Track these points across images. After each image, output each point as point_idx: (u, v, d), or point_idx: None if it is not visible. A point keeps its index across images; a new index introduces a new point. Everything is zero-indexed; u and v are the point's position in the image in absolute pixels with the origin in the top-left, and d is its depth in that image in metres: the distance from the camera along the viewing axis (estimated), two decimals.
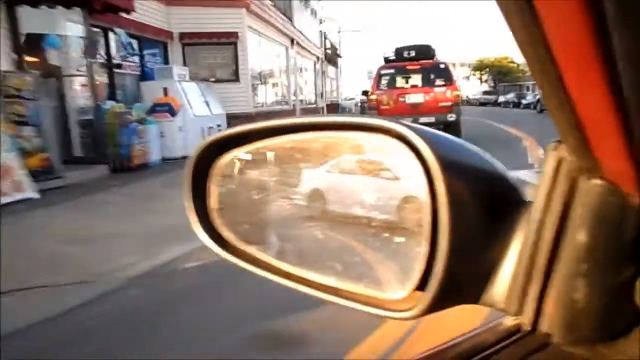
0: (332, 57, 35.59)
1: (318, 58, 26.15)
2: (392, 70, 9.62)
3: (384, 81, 9.63)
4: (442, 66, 9.73)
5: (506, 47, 76.87)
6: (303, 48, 21.43)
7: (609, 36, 0.19)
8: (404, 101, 9.54)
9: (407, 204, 0.40)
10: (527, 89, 58.77)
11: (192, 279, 3.48)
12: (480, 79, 61.73)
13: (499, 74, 58.86)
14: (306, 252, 0.46)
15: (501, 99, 48.24)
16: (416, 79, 9.48)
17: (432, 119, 9.34)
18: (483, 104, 49.92)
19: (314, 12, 26.69)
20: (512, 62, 59.54)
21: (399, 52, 9.84)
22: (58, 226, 4.93)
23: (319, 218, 0.46)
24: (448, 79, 9.57)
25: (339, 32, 48.23)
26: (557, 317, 0.35)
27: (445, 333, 0.50)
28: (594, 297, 0.34)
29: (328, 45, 33.13)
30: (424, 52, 9.72)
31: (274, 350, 2.42)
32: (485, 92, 53.42)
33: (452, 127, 9.31)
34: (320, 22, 27.82)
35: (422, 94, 9.50)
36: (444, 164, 0.33)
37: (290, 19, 19.31)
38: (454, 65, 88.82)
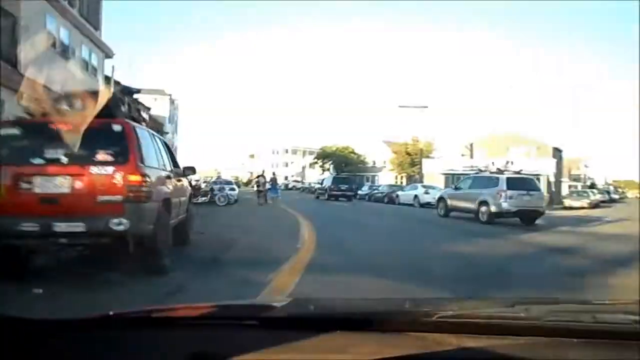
0: None
1: None
2: (16, 131, 4.92)
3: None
4: (116, 128, 5.21)
5: (348, 138, 79.19)
6: None
7: None
8: (30, 190, 4.76)
9: None
10: (367, 179, 59.49)
11: None
12: (323, 167, 60.88)
13: (340, 163, 58.62)
14: None
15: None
16: (59, 150, 4.81)
17: (79, 227, 4.66)
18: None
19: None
20: (353, 152, 60.05)
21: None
22: None
23: None
24: (123, 153, 5.05)
25: None
26: None
27: None
28: None
29: None
30: (90, 101, 5.15)
31: None
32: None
33: (140, 246, 4.80)
34: None
35: (67, 177, 4.83)
36: None
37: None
38: (302, 153, 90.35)
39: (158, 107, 36.46)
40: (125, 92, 8.79)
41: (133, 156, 5.07)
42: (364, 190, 38.94)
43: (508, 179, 15.69)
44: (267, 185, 26.68)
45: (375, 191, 34.95)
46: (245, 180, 71.26)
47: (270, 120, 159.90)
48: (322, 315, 1.12)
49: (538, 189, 16.24)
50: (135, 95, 26.00)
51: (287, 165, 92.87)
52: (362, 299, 1.53)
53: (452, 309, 1.21)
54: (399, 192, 29.99)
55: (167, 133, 35.07)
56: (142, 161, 5.21)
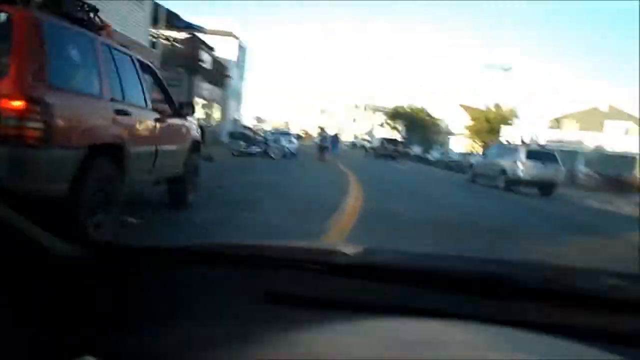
0: (210, 74, 28.80)
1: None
2: None
3: None
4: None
5: (423, 99, 74.71)
6: None
7: None
8: None
9: None
10: (439, 144, 55.66)
11: None
12: (393, 127, 57.60)
13: (412, 125, 55.10)
14: None
15: (410, 151, 43.73)
16: None
17: None
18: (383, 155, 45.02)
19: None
20: (428, 115, 56.19)
21: None
22: None
23: None
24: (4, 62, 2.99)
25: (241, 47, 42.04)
26: None
27: None
28: None
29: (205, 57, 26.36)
30: None
31: None
32: (387, 141, 48.06)
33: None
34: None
35: None
36: None
37: None
38: (374, 111, 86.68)
39: (224, 50, 34.79)
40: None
41: (20, 67, 2.97)
42: (434, 155, 35.69)
43: (528, 150, 16.90)
44: (328, 142, 24.58)
45: (449, 159, 31.69)
46: (312, 135, 69.87)
47: (344, 75, 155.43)
48: (396, 266, 1.05)
49: (557, 163, 16.95)
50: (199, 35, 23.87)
51: (355, 121, 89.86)
52: (435, 253, 1.41)
53: (528, 273, 1.09)
54: (473, 160, 26.76)
55: (229, 77, 33.43)
56: (42, 77, 3.10)
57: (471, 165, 20.77)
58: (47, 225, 0.84)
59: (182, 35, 25.53)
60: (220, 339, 0.75)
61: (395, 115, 57.38)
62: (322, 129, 25.34)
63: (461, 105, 55.59)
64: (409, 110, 56.29)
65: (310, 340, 0.75)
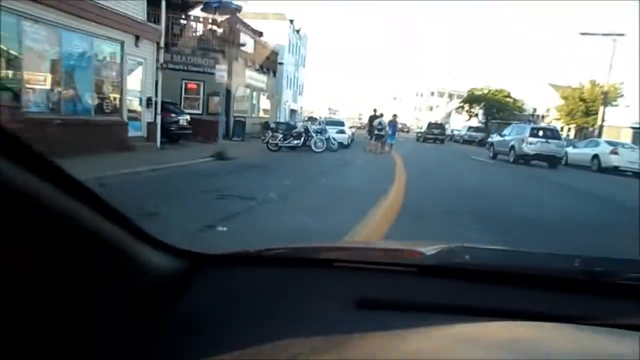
0: (256, 61, 26.03)
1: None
2: None
3: None
4: None
5: (504, 78, 67.68)
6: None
7: None
8: None
9: None
10: None
11: None
12: (470, 112, 52.03)
13: (492, 108, 49.29)
14: None
15: (490, 138, 38.54)
16: None
17: None
18: (468, 141, 40.42)
19: None
20: (509, 96, 50.06)
21: None
22: None
23: None
24: None
25: (297, 31, 38.92)
26: None
27: None
28: None
29: (245, 41, 23.56)
30: None
31: None
32: (472, 128, 43.58)
33: None
34: None
35: None
36: None
37: None
38: (449, 96, 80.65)
39: (275, 35, 31.90)
40: None
41: None
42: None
43: (532, 128, 19.19)
44: (385, 128, 20.69)
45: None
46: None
47: (416, 60, 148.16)
48: (485, 267, 1.00)
49: (559, 138, 19.10)
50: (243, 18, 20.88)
51: (431, 109, 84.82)
52: (525, 250, 1.26)
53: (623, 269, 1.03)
54: (569, 150, 21.69)
55: (280, 63, 30.40)
56: None
57: (492, 144, 22.54)
58: (140, 237, 0.81)
59: (222, 17, 22.78)
60: (317, 345, 0.75)
61: (472, 99, 51.75)
62: (375, 111, 21.48)
63: (549, 84, 48.99)
64: (487, 92, 50.48)
65: (405, 346, 0.74)
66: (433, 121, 41.24)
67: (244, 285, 0.95)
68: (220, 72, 12.52)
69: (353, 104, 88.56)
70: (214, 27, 22.55)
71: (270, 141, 17.26)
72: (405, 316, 0.84)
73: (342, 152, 18.31)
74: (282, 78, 33.10)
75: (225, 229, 4.37)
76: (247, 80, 24.64)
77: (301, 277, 0.98)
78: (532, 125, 20.18)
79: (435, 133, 37.14)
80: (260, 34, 27.75)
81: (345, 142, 20.81)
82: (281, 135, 17.39)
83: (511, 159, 19.08)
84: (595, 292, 0.91)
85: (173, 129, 15.84)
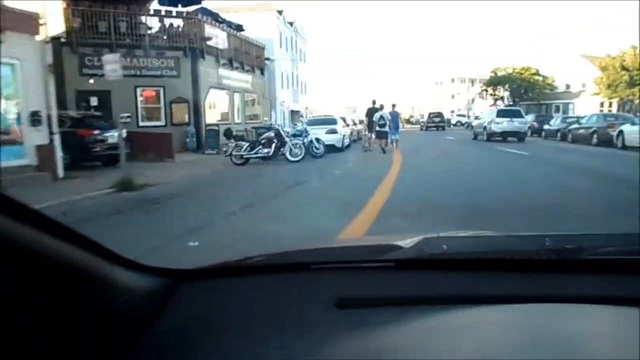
0: (234, 57, 22.39)
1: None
2: None
3: None
4: None
5: (530, 56, 62.24)
6: None
7: None
8: None
9: None
10: (557, 109, 44.10)
11: None
12: (494, 96, 47.05)
13: (519, 89, 44.27)
14: None
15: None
16: None
17: None
18: None
19: None
20: (537, 74, 44.91)
21: None
22: None
23: None
24: None
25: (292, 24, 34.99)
26: None
27: None
28: None
29: (211, 33, 19.93)
30: None
31: None
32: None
33: None
34: None
35: None
36: None
37: None
38: (471, 82, 75.35)
39: (263, 27, 28.09)
40: None
41: None
42: (554, 124, 25.90)
43: (498, 110, 24.05)
44: (387, 123, 16.68)
45: (575, 126, 21.89)
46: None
47: (433, 48, 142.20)
48: (461, 255, 1.02)
49: (522, 117, 22.29)
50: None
51: (453, 97, 79.66)
52: (498, 235, 1.25)
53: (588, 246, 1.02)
54: (624, 128, 17.05)
55: (267, 59, 26.49)
56: None
57: (471, 126, 26.64)
58: (112, 260, 0.80)
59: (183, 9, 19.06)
60: (297, 349, 0.76)
61: (495, 80, 46.73)
62: (374, 102, 17.47)
63: (582, 56, 43.61)
64: (511, 71, 45.43)
65: (386, 341, 0.75)
66: (433, 111, 44.76)
67: (222, 298, 0.94)
68: (112, 65, 8.57)
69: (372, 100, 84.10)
70: (172, 22, 18.87)
71: (233, 153, 13.38)
72: (386, 311, 0.85)
73: (331, 158, 14.27)
74: (274, 76, 29.23)
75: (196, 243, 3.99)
76: (222, 80, 20.85)
77: (279, 283, 0.97)
78: (498, 108, 25.39)
79: (436, 121, 40.80)
80: (239, 27, 23.93)
81: (339, 145, 16.71)
82: (247, 145, 13.47)
83: (485, 138, 22.02)
84: (566, 270, 0.93)
85: (97, 149, 12.13)
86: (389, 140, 17.14)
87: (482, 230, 1.29)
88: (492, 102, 47.71)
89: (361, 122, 22.59)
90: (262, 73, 26.03)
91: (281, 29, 31.45)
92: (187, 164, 13.79)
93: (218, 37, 20.31)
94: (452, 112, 65.96)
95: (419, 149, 17.62)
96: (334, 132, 16.73)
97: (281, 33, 31.49)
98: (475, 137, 23.77)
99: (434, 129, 39.19)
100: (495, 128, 21.41)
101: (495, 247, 1.07)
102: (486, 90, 49.06)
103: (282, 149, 13.30)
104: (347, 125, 20.60)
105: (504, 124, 21.14)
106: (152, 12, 18.70)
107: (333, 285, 0.93)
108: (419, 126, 48.00)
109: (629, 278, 0.89)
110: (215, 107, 21.00)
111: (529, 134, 24.47)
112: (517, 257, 0.96)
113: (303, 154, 13.33)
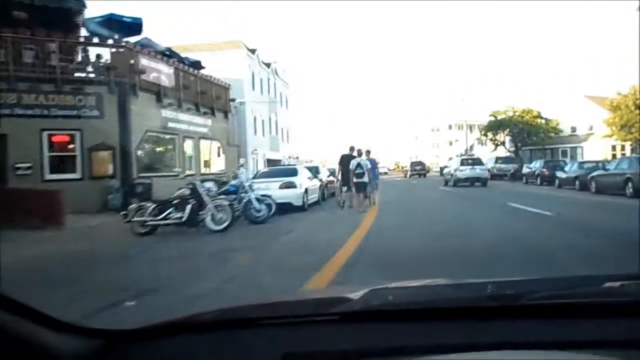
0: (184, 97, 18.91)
1: None
2: None
3: None
4: None
5: (531, 98, 59.47)
6: None
7: None
8: None
9: None
10: (564, 154, 40.47)
11: None
12: (494, 141, 43.57)
13: (521, 133, 40.79)
14: None
15: (525, 169, 29.97)
16: None
17: None
18: (497, 176, 32.11)
19: None
20: (539, 116, 41.58)
21: None
22: None
23: None
24: None
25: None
26: None
27: None
28: None
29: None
30: None
31: None
32: (500, 159, 35.35)
33: None
34: None
35: None
36: None
37: None
38: (470, 127, 72.33)
39: (231, 65, 24.85)
40: None
41: None
42: (571, 170, 22.05)
43: (462, 159, 26.45)
44: (365, 172, 13.04)
45: (600, 172, 17.89)
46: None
47: (429, 94, 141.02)
48: (405, 306, 1.04)
49: (482, 165, 25.42)
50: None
51: (450, 144, 76.80)
52: (444, 284, 1.27)
53: (540, 289, 1.07)
54: None
55: (232, 100, 22.94)
56: None
57: (442, 173, 31.97)
58: (41, 322, 0.78)
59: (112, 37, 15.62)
60: None
61: (495, 125, 43.33)
62: (351, 149, 13.81)
63: (587, 97, 40.45)
64: (512, 114, 42.12)
65: None
66: (414, 160, 49.81)
67: (168, 356, 0.91)
68: None
69: (371, 147, 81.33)
70: (99, 52, 15.38)
71: (135, 219, 9.40)
72: None
73: (279, 223, 10.31)
74: (243, 120, 25.68)
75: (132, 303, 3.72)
76: (167, 124, 17.17)
77: (224, 341, 0.94)
78: (462, 157, 27.17)
79: (418, 169, 44.85)
80: (195, 63, 20.53)
81: (298, 202, 12.74)
82: (153, 206, 9.50)
83: (451, 184, 24.39)
84: (504, 316, 0.94)
85: None
86: (368, 194, 13.41)
87: (436, 279, 1.31)
88: (493, 147, 44.21)
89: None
90: (226, 116, 22.44)
91: (254, 69, 28.21)
92: (73, 234, 9.82)
93: (161, 72, 16.80)
94: (450, 158, 62.55)
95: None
96: (291, 186, 12.78)
97: (254, 73, 28.24)
98: (446, 183, 25.96)
99: (417, 176, 42.42)
100: (460, 175, 24.31)
101: (440, 296, 1.09)
102: (486, 135, 45.66)
103: (201, 212, 9.31)
104: (317, 177, 16.66)
105: (467, 171, 24.19)
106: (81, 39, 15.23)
107: (279, 340, 0.92)
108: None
109: (567, 322, 0.91)
110: (152, 155, 17.25)
111: (538, 182, 25.01)
112: (455, 305, 1.00)
113: (230, 220, 9.32)
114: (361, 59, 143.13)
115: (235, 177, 11.55)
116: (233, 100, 22.91)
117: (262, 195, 11.05)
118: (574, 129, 40.98)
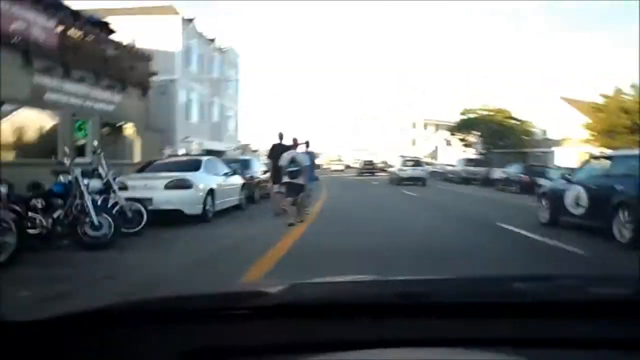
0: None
1: None
2: None
3: None
4: None
5: (501, 98, 56.92)
6: None
7: None
8: None
9: None
10: (537, 159, 37.65)
11: None
12: (465, 141, 40.40)
13: (493, 135, 37.69)
14: None
15: (497, 173, 26.72)
16: None
17: None
18: (466, 179, 28.89)
19: None
20: (511, 117, 38.63)
21: None
22: None
23: None
24: None
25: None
26: None
27: None
28: None
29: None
30: None
31: None
32: (470, 162, 32.16)
33: None
34: None
35: None
36: None
37: None
38: (436, 127, 69.27)
39: (161, 35, 20.39)
40: None
41: None
42: (550, 179, 18.47)
43: (404, 160, 28.53)
44: (302, 168, 9.21)
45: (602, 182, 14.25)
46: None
47: (397, 87, 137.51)
48: (322, 301, 1.02)
49: (422, 166, 28.05)
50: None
51: (413, 143, 73.81)
52: (370, 280, 1.25)
53: (452, 289, 1.12)
54: None
55: (153, 74, 18.43)
56: None
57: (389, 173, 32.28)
58: None
59: None
60: None
61: (466, 124, 40.17)
62: (281, 137, 10.07)
63: (563, 99, 37.71)
64: (483, 114, 39.03)
65: None
66: (367, 160, 49.19)
67: (62, 351, 0.86)
68: None
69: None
70: None
71: None
72: None
73: (129, 247, 6.18)
74: (173, 101, 21.23)
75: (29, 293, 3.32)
76: (45, 94, 12.67)
77: (122, 336, 0.90)
78: (405, 158, 29.26)
79: (368, 168, 45.17)
80: (101, 23, 16.01)
81: (192, 210, 8.61)
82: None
83: (394, 183, 26.59)
84: (411, 314, 0.94)
85: None
86: (304, 195, 9.60)
87: (361, 275, 1.27)
88: (461, 149, 41.09)
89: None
90: (145, 94, 17.99)
91: (191, 42, 23.67)
92: None
93: (32, 24, 12.28)
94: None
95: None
96: (182, 185, 8.62)
97: (191, 47, 23.73)
98: (390, 182, 27.89)
99: (369, 174, 42.80)
100: (402, 174, 26.46)
101: (353, 293, 1.08)
102: (454, 135, 42.51)
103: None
104: (245, 172, 12.54)
105: (409, 172, 26.41)
106: None
107: (181, 335, 0.88)
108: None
109: (472, 321, 0.91)
110: (29, 135, 12.75)
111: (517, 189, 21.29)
112: (363, 302, 0.98)
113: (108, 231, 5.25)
114: (322, 47, 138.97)
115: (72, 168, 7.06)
116: (154, 74, 18.43)
117: (133, 199, 7.01)
118: (545, 132, 38.25)
